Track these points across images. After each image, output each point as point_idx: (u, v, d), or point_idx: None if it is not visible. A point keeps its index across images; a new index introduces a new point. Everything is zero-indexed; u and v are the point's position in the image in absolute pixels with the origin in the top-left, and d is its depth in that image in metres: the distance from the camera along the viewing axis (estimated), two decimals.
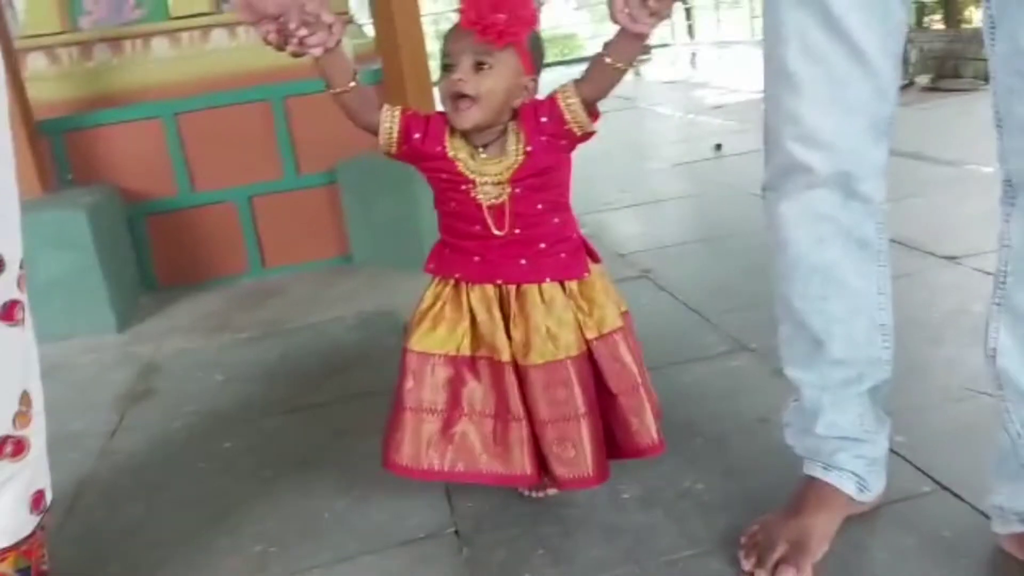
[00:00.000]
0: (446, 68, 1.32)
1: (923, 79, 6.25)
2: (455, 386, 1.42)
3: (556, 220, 1.40)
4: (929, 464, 1.49)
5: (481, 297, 1.41)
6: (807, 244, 1.26)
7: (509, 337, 1.39)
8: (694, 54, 11.89)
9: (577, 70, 1.34)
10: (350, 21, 3.86)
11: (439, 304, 1.43)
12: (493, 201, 1.36)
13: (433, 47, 3.60)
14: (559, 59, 12.97)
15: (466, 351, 1.42)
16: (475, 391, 1.43)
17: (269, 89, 3.30)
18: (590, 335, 1.40)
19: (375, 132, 1.37)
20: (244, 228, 3.39)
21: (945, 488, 1.43)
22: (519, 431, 1.41)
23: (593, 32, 14.97)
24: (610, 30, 1.26)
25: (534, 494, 1.55)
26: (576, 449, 1.39)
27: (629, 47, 1.25)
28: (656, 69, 10.58)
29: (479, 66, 1.29)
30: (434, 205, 1.45)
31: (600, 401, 1.42)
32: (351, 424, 1.98)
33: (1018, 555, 1.23)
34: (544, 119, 1.33)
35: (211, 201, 3.35)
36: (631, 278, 2.74)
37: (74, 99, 3.32)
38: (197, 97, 3.29)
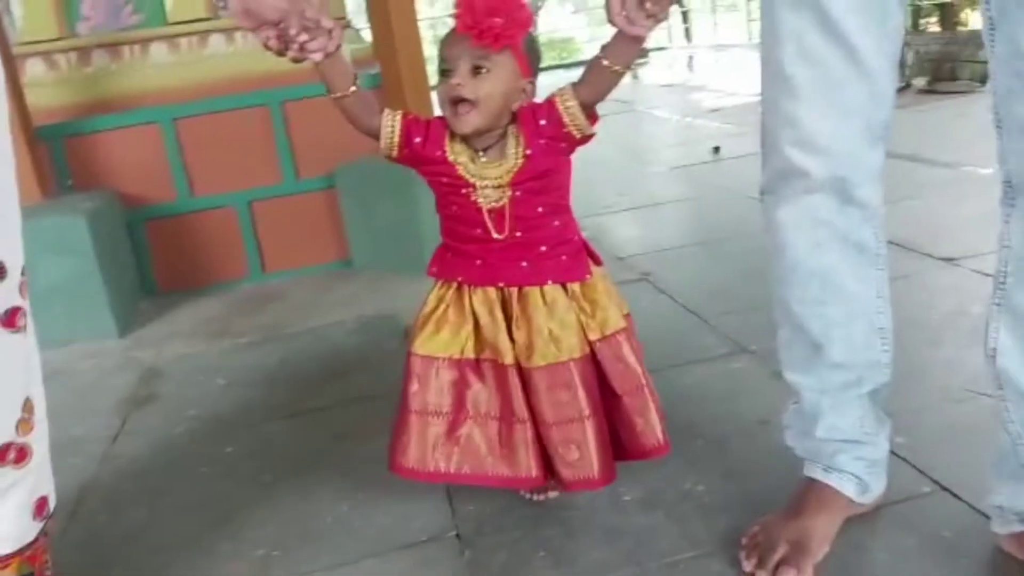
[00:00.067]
0: (444, 73, 1.32)
1: (920, 81, 6.27)
2: (460, 389, 1.43)
3: (557, 223, 1.40)
4: (929, 465, 1.50)
5: (483, 300, 1.41)
6: (805, 249, 1.26)
7: (512, 340, 1.40)
8: (691, 57, 11.91)
9: (575, 74, 1.35)
10: (347, 26, 3.86)
11: (442, 307, 1.43)
12: (493, 205, 1.37)
13: (430, 51, 3.61)
14: (557, 63, 12.99)
15: (470, 354, 1.42)
16: (480, 393, 1.43)
17: (267, 94, 3.30)
18: (593, 336, 1.41)
19: (376, 136, 1.38)
20: (244, 233, 3.40)
21: (945, 488, 1.43)
22: (524, 433, 1.41)
23: (591, 35, 14.99)
24: (608, 33, 1.27)
25: (535, 497, 1.56)
26: (581, 451, 1.40)
27: (627, 50, 1.26)
28: (654, 72, 10.60)
29: (477, 70, 1.30)
30: (436, 209, 1.45)
31: (604, 403, 1.42)
32: (352, 428, 1.99)
33: (1018, 555, 1.23)
34: (543, 122, 1.33)
35: (211, 206, 3.35)
36: (631, 281, 2.74)
37: (73, 105, 3.32)
38: (196, 102, 3.29)
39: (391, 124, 1.37)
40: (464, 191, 1.37)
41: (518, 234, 1.38)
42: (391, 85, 3.19)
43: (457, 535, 1.51)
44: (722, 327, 2.27)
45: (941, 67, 6.23)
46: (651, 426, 1.43)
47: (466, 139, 1.36)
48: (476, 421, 1.43)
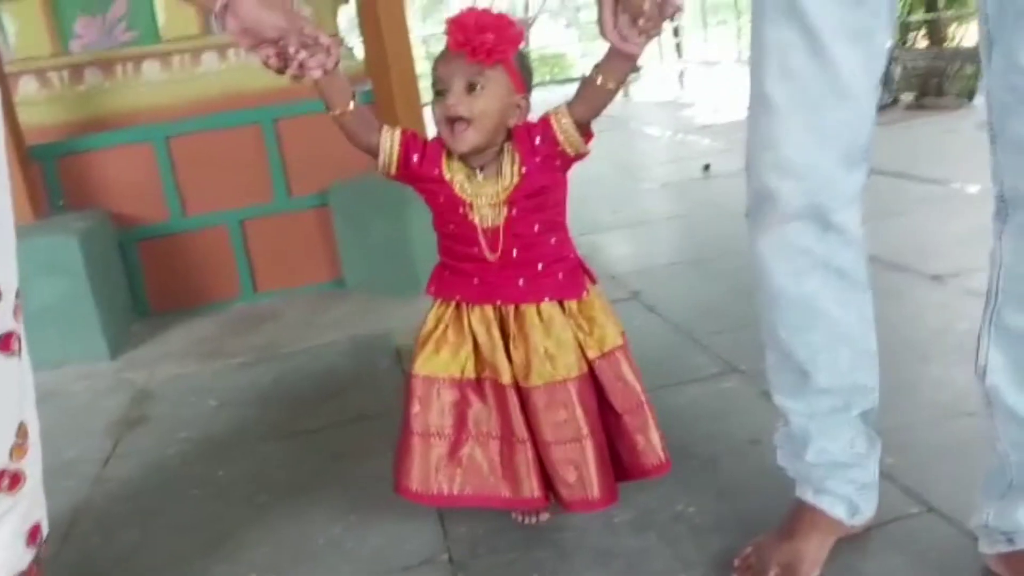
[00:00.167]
0: (439, 94, 1.34)
1: (907, 97, 6.32)
2: (461, 409, 1.44)
3: (553, 240, 1.42)
4: (917, 485, 1.51)
5: (481, 318, 1.42)
6: (785, 278, 1.25)
7: (510, 359, 1.41)
8: (682, 73, 11.97)
9: (568, 89, 1.36)
10: (340, 43, 3.88)
11: (441, 327, 1.44)
12: (488, 225, 1.38)
13: (422, 68, 3.63)
14: (550, 79, 13.03)
15: (470, 373, 1.43)
16: (480, 413, 1.44)
17: (260, 112, 3.31)
18: (592, 354, 1.42)
19: (375, 154, 1.39)
20: (236, 252, 3.39)
21: (933, 509, 1.44)
22: (524, 453, 1.42)
23: (583, 51, 15.05)
24: (600, 49, 1.28)
25: (528, 519, 1.56)
26: (580, 472, 1.40)
27: (620, 67, 1.28)
28: (645, 89, 10.65)
29: (471, 87, 1.31)
30: (433, 227, 1.46)
31: (604, 421, 1.43)
32: (345, 449, 1.99)
33: (1004, 575, 1.24)
34: (538, 140, 1.35)
35: (203, 225, 3.35)
36: (621, 300, 2.75)
37: (65, 123, 3.32)
38: (188, 120, 3.30)
39: (390, 142, 1.38)
40: (461, 210, 1.39)
41: (515, 252, 1.39)
42: (383, 102, 3.21)
43: (450, 558, 1.51)
44: (712, 346, 2.28)
45: (928, 82, 6.28)
46: (652, 444, 1.44)
47: (463, 157, 1.37)
48: (478, 441, 1.44)
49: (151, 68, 3.42)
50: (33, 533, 1.23)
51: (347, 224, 3.33)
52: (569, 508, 1.45)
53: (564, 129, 1.33)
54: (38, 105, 3.31)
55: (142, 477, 2.00)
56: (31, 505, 1.22)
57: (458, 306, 1.44)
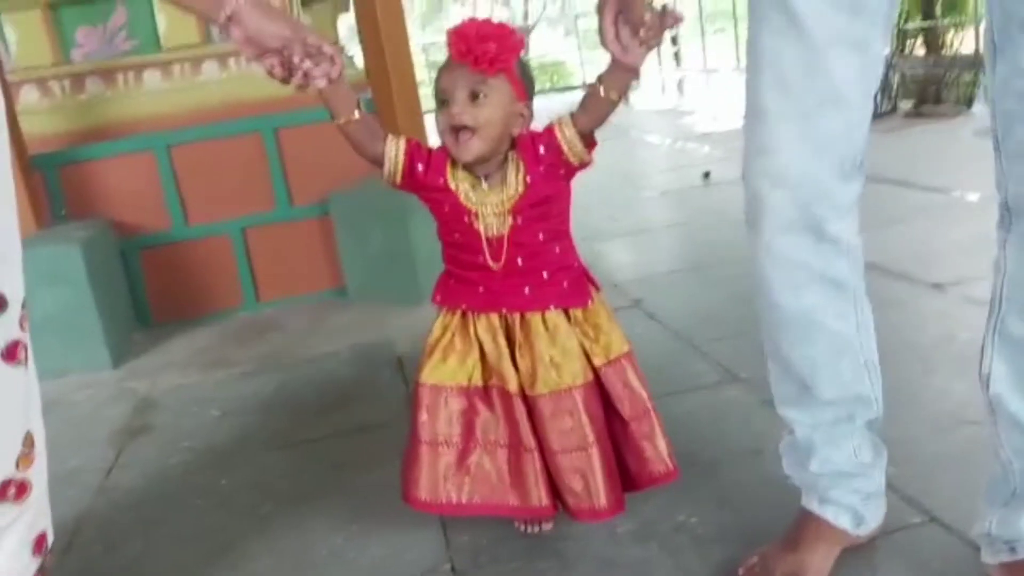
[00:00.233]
0: (442, 104, 1.35)
1: (906, 104, 6.33)
2: (469, 417, 1.44)
3: (557, 248, 1.43)
4: (919, 495, 1.51)
5: (487, 326, 1.43)
6: (783, 291, 1.25)
7: (516, 367, 1.41)
8: (681, 81, 11.99)
9: (567, 97, 1.37)
10: (341, 52, 3.89)
11: (448, 335, 1.45)
12: (493, 233, 1.39)
13: (422, 76, 3.64)
14: (550, 86, 13.05)
15: (478, 381, 1.44)
16: (488, 421, 1.44)
17: (261, 120, 3.32)
18: (598, 362, 1.42)
19: (380, 163, 1.40)
20: (238, 261, 3.40)
21: (935, 519, 1.44)
22: (532, 462, 1.42)
23: (582, 59, 15.06)
24: (599, 56, 1.29)
25: (530, 528, 1.56)
26: (586, 480, 1.41)
27: (622, 78, 1.29)
28: (645, 97, 10.66)
29: (474, 97, 1.32)
30: (437, 236, 1.47)
31: (611, 429, 1.44)
32: (348, 458, 1.99)
33: None
34: (542, 150, 1.36)
35: (205, 234, 3.36)
36: (624, 308, 2.75)
37: (66, 132, 3.34)
38: (189, 129, 3.31)
39: (395, 151, 1.39)
40: (466, 218, 1.39)
41: (519, 261, 1.40)
42: (384, 110, 3.21)
43: (452, 568, 1.51)
44: (713, 354, 2.29)
45: (926, 90, 6.29)
46: (659, 452, 1.45)
47: (468, 166, 1.38)
48: (486, 449, 1.44)
49: (152, 77, 3.43)
50: (39, 542, 1.23)
51: (348, 233, 3.33)
52: (576, 517, 1.45)
53: (568, 139, 1.35)
54: (39, 114, 3.32)
55: (145, 486, 2.00)
56: (37, 514, 1.23)
57: (464, 314, 1.45)
